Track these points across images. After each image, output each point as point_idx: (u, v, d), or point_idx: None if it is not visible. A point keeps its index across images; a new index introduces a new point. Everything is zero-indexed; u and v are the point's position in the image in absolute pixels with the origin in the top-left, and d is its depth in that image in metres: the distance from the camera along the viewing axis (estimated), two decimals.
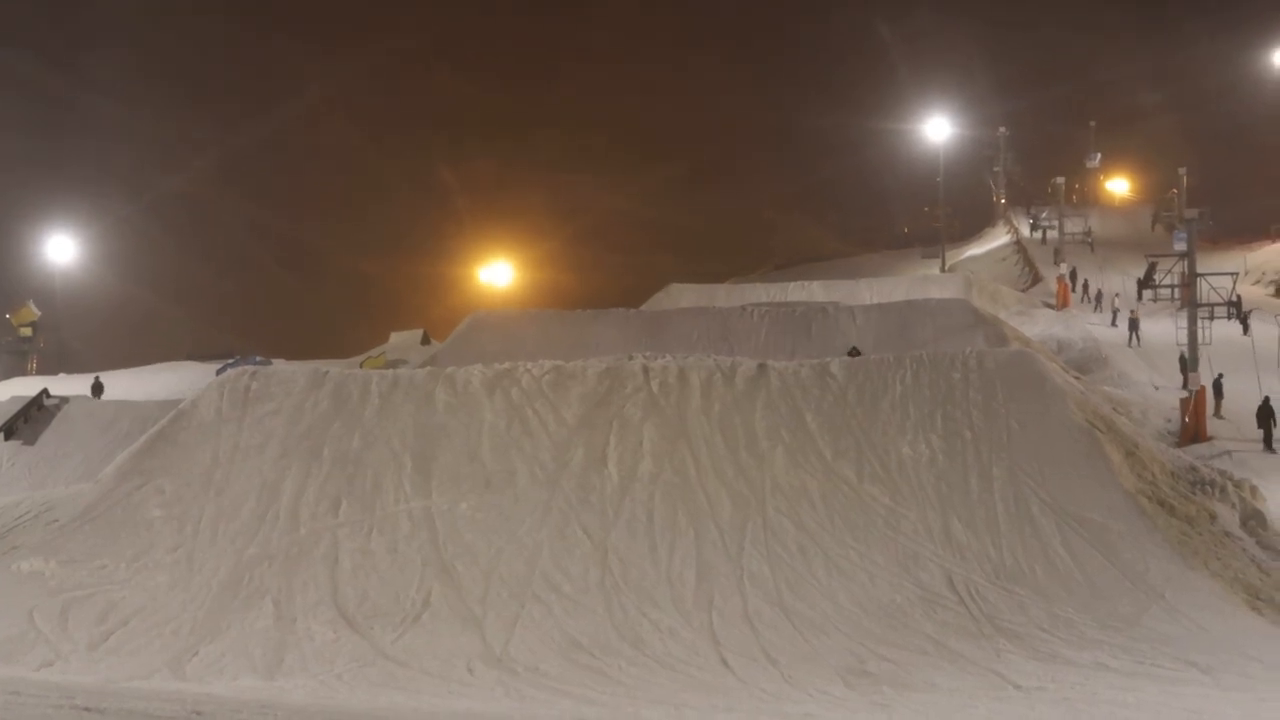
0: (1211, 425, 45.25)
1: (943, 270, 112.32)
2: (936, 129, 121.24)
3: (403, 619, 28.65)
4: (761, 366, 38.76)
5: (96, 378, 60.81)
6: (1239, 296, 57.92)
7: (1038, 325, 77.07)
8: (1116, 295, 78.90)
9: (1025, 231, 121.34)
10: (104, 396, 65.17)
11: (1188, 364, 50.24)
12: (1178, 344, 51.73)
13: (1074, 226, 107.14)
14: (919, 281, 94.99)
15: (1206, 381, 46.93)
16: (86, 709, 14.83)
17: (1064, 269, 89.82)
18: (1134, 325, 73.06)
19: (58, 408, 57.91)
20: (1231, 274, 55.28)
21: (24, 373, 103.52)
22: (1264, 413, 44.46)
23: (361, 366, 69.93)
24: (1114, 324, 74.04)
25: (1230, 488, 34.95)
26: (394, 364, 74.08)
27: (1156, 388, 54.25)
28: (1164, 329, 58.78)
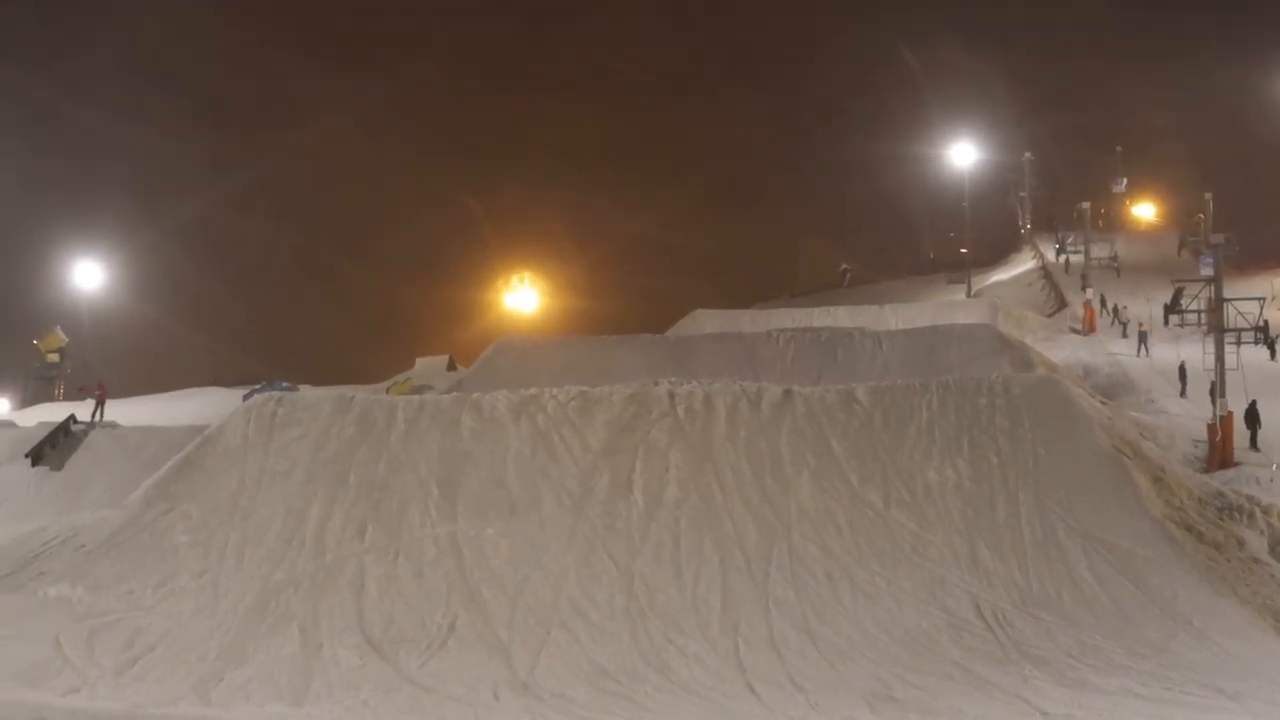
0: (1239, 452, 45.09)
1: (968, 295, 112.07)
2: (961, 154, 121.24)
3: (429, 645, 28.63)
4: (787, 392, 38.70)
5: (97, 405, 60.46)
6: (1266, 321, 57.64)
7: (1064, 350, 76.89)
8: (1141, 324, 78.79)
9: (1051, 256, 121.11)
10: (129, 423, 65.21)
11: (1216, 389, 50.09)
12: (1204, 369, 51.58)
13: (1100, 251, 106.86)
14: (945, 307, 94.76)
15: (1234, 407, 46.80)
16: None
17: (1090, 294, 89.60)
18: (1143, 338, 73.08)
19: (84, 433, 58.00)
20: (1259, 299, 55.01)
21: (51, 398, 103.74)
22: (1250, 416, 45.01)
23: (388, 392, 69.92)
24: (1139, 354, 73.96)
25: (1258, 513, 34.79)
26: (420, 389, 74.04)
27: (1166, 410, 54.16)
28: (1192, 354, 58.60)
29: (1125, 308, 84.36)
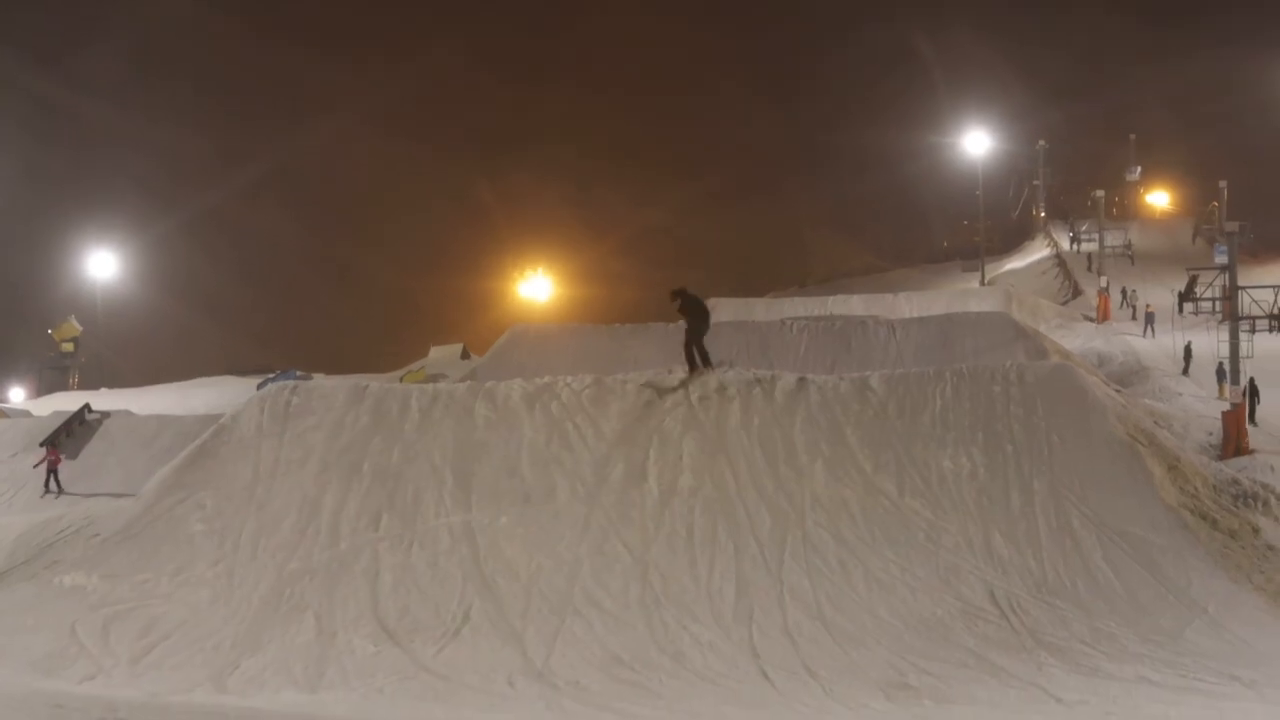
0: (1254, 438, 45.10)
1: (982, 284, 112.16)
2: (975, 143, 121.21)
3: (443, 633, 28.67)
4: (801, 380, 38.67)
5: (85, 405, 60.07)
6: None
7: (1078, 339, 77.04)
8: (1149, 305, 79.03)
9: (1065, 245, 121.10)
10: (143, 412, 65.26)
11: (1223, 375, 50.15)
12: (1216, 356, 51.61)
13: (1114, 240, 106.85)
14: (959, 295, 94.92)
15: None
16: None
17: (1104, 282, 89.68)
18: (1150, 320, 73.38)
19: (99, 422, 58.16)
20: (1273, 287, 54.98)
21: (66, 388, 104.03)
22: (1250, 392, 46.02)
23: (401, 381, 70.16)
24: (1145, 334, 74.45)
25: (1274, 501, 34.73)
26: (434, 379, 74.23)
27: (1180, 394, 54.26)
28: (1209, 343, 58.59)
29: (1135, 291, 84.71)
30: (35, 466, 51.66)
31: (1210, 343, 54.84)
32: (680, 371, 38.66)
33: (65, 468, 52.25)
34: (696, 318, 38.59)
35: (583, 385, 38.57)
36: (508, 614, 29.38)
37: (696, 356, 38.25)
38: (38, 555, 33.39)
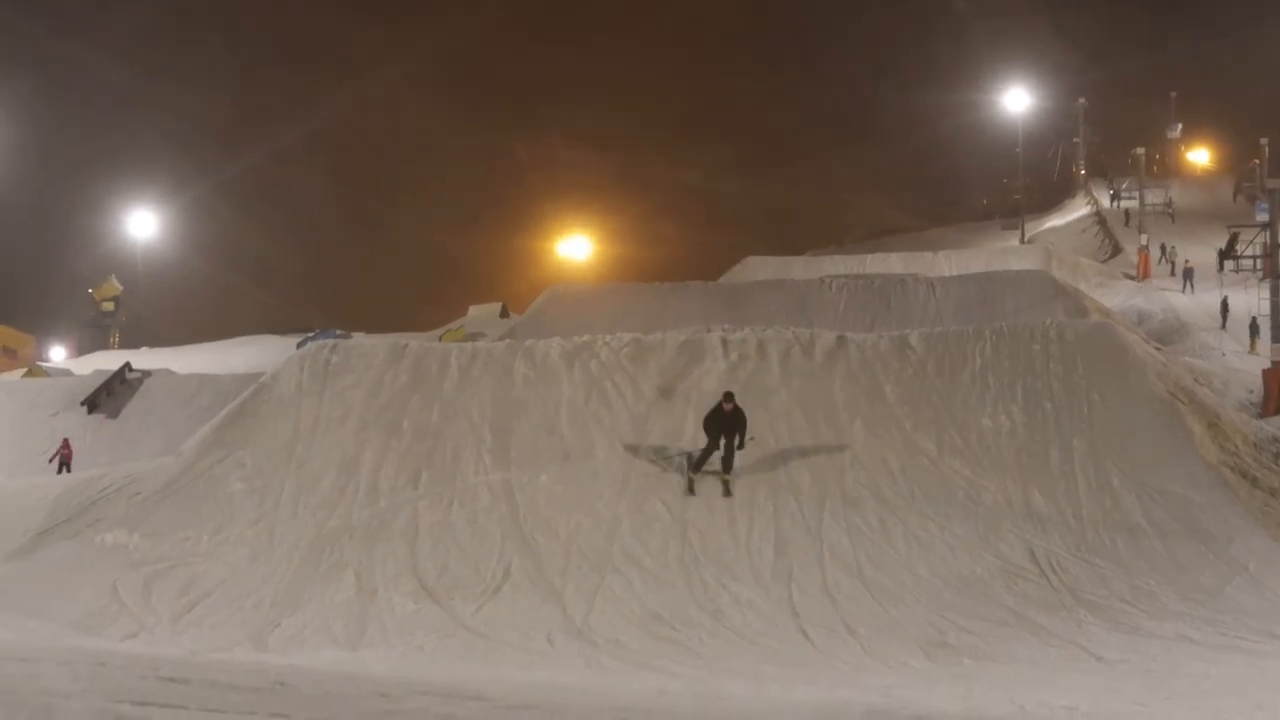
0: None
1: (1022, 242, 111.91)
2: (1015, 100, 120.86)
3: (483, 591, 28.69)
4: (840, 339, 38.65)
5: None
6: None
7: (1118, 296, 76.88)
8: (1188, 261, 78.89)
9: (1105, 203, 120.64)
10: (183, 371, 65.50)
11: (1256, 330, 50.06)
12: (1250, 313, 51.62)
13: (1154, 198, 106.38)
14: (998, 253, 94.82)
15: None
16: (171, 680, 14.93)
17: (1144, 240, 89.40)
18: (1189, 275, 73.29)
19: (139, 381, 58.50)
20: None
21: (106, 347, 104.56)
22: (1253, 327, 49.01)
23: (440, 340, 70.23)
24: (1184, 290, 74.50)
25: None
26: (473, 337, 74.36)
27: (1224, 354, 54.13)
28: (1247, 300, 58.41)
29: (1174, 247, 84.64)
30: (50, 461, 51.69)
31: (1250, 300, 54.68)
32: (719, 330, 38.59)
33: (106, 428, 52.49)
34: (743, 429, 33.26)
35: (621, 344, 38.61)
36: (547, 572, 29.41)
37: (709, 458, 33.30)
38: (79, 514, 33.49)
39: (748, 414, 33.39)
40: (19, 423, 57.53)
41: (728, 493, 32.12)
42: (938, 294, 69.18)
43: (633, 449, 34.49)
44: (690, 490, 32.45)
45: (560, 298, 78.35)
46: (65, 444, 51.59)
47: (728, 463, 32.66)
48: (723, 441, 32.75)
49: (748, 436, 32.90)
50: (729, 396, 33.32)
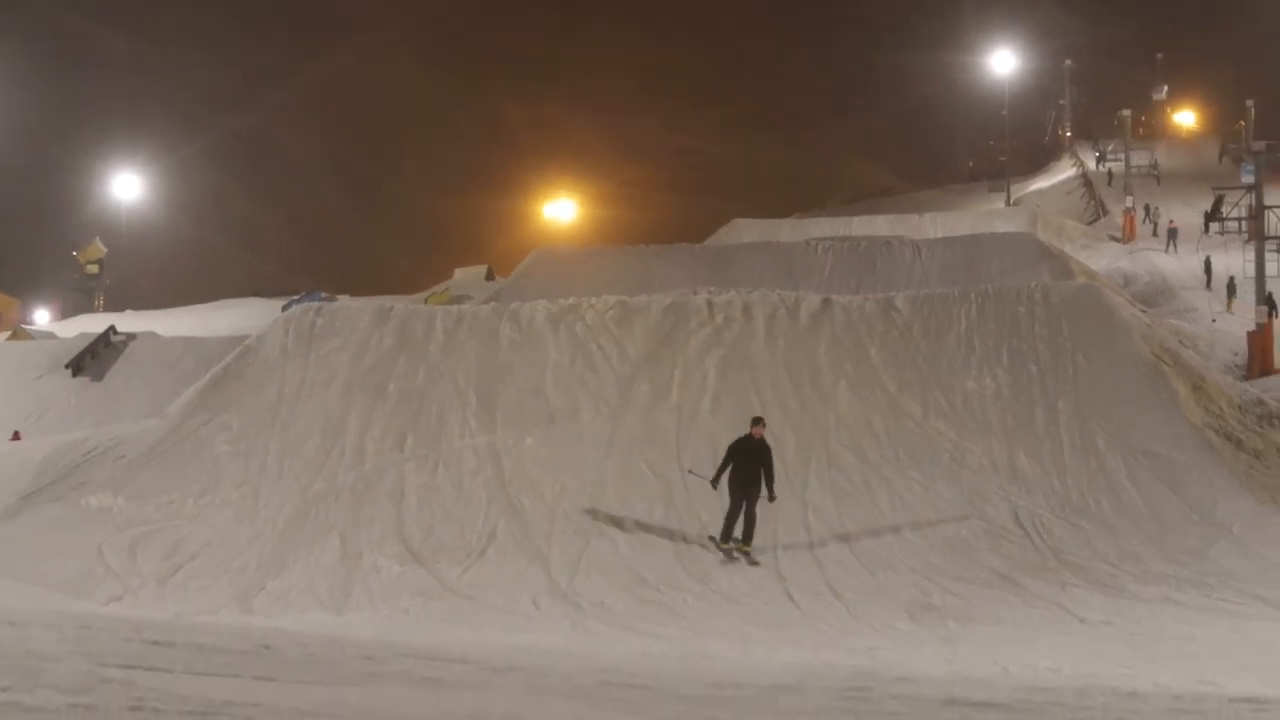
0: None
1: (1008, 204, 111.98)
2: (1001, 62, 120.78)
3: (468, 554, 28.68)
4: (826, 301, 38.67)
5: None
6: None
7: (1104, 259, 77.00)
8: (1171, 221, 79.11)
9: (1091, 165, 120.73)
10: (168, 334, 65.43)
11: (1233, 290, 50.17)
12: (1229, 274, 51.77)
13: (1140, 159, 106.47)
14: (984, 216, 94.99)
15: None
16: (156, 643, 14.90)
17: (1130, 202, 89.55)
18: (1173, 235, 73.52)
19: (124, 344, 58.45)
20: None
21: (91, 309, 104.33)
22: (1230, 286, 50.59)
23: (426, 303, 70.18)
24: (1167, 250, 74.79)
25: None
26: (458, 300, 74.34)
27: (1214, 320, 54.18)
28: (1228, 261, 58.51)
29: (1157, 208, 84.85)
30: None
31: (1233, 261, 54.77)
32: (705, 293, 38.57)
33: (90, 391, 52.40)
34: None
35: (607, 306, 38.60)
36: (532, 535, 29.41)
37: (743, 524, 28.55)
38: (65, 476, 33.43)
39: (730, 377, 33.34)
40: (3, 386, 57.46)
41: (753, 562, 27.66)
42: (923, 256, 69.25)
43: (618, 411, 34.49)
44: (730, 557, 28.06)
45: (546, 260, 78.27)
46: (16, 436, 51.29)
47: (748, 533, 28.08)
48: (745, 502, 28.11)
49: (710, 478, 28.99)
50: (758, 421, 29.41)
